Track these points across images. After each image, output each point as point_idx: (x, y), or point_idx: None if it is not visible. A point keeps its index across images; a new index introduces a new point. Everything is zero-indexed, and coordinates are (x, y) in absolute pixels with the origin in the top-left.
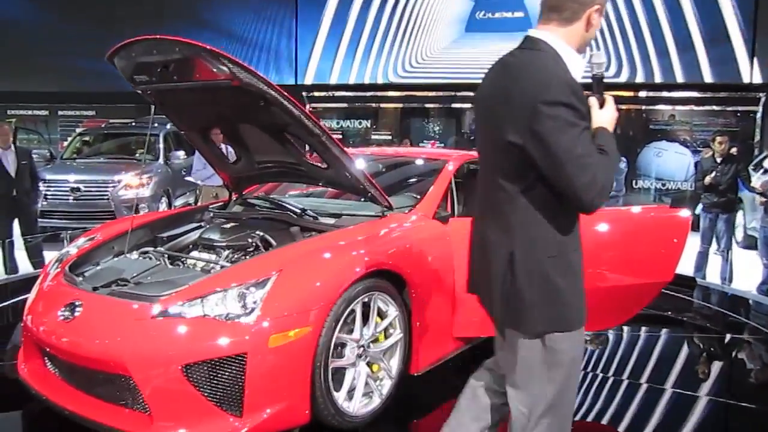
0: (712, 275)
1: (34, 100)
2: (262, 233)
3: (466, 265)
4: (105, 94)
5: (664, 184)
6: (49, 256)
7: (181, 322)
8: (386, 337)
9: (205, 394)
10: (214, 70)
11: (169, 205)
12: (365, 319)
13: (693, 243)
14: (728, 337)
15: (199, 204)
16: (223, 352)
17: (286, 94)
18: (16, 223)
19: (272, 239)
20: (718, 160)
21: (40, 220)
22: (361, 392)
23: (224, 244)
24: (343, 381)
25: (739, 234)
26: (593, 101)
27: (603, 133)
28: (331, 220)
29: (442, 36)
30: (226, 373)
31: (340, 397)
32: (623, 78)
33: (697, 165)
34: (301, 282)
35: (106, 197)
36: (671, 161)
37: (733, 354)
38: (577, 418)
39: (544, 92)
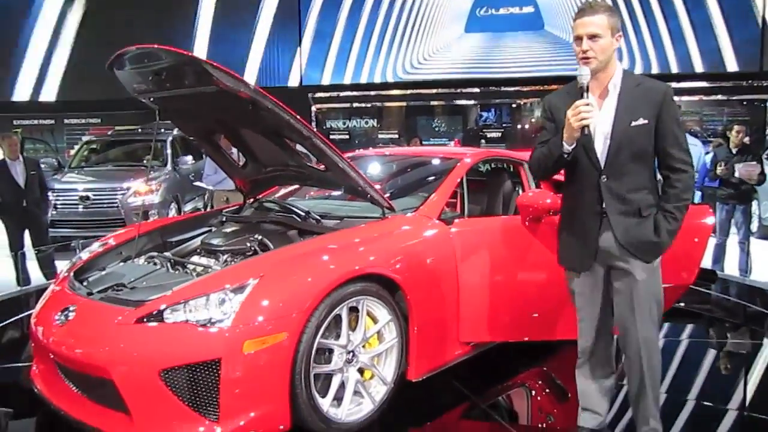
0: (730, 267)
1: (39, 109)
2: (261, 237)
3: (471, 268)
4: (110, 101)
5: None
6: (61, 266)
7: (160, 327)
8: (380, 343)
9: (183, 399)
10: (200, 76)
11: (179, 210)
12: (355, 323)
13: None
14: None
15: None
16: (198, 357)
17: (271, 97)
18: (27, 234)
19: (270, 243)
20: (734, 150)
21: (50, 229)
22: (350, 399)
23: (223, 248)
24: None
25: (753, 224)
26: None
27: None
28: (334, 223)
29: (446, 33)
30: (203, 378)
31: (325, 403)
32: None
33: (710, 155)
34: (280, 287)
35: (115, 205)
36: None
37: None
38: None
39: None
